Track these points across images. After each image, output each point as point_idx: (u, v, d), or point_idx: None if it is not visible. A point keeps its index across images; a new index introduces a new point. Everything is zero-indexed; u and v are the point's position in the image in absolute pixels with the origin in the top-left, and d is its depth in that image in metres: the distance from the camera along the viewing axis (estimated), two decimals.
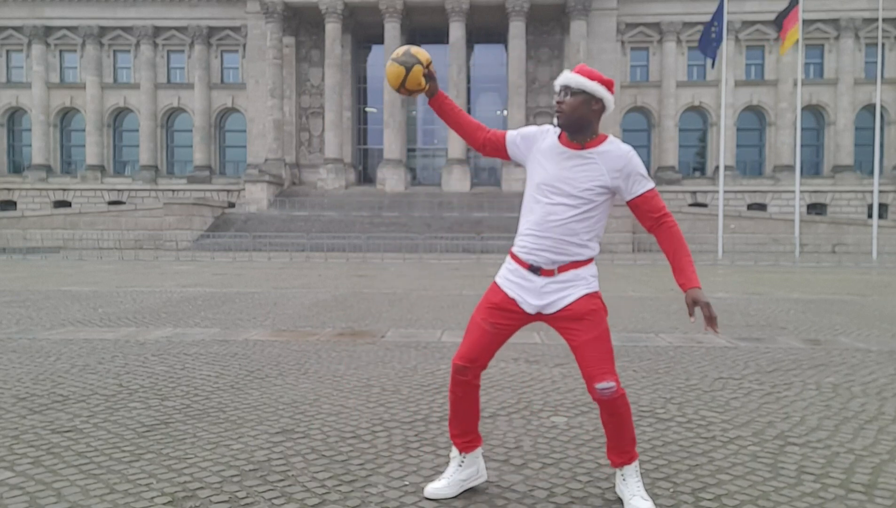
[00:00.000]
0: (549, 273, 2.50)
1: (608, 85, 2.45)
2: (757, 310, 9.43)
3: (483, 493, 2.74)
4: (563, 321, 2.52)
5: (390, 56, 2.58)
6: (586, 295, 2.49)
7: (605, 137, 2.48)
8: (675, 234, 2.44)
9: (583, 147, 2.47)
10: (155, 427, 3.62)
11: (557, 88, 2.48)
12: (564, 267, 2.49)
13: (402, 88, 2.55)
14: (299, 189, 41.95)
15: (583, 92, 2.42)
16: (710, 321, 2.39)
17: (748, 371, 5.17)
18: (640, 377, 4.94)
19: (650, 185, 2.46)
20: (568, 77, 2.46)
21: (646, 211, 2.46)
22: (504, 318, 2.60)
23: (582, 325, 2.47)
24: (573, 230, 2.47)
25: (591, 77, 2.44)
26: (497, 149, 2.67)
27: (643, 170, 2.47)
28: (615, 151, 2.45)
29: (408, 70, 2.51)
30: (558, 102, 2.46)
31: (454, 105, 2.66)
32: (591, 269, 2.54)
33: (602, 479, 2.90)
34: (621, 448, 2.61)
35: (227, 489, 2.77)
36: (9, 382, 4.69)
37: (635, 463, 2.63)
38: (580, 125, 2.45)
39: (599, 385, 2.45)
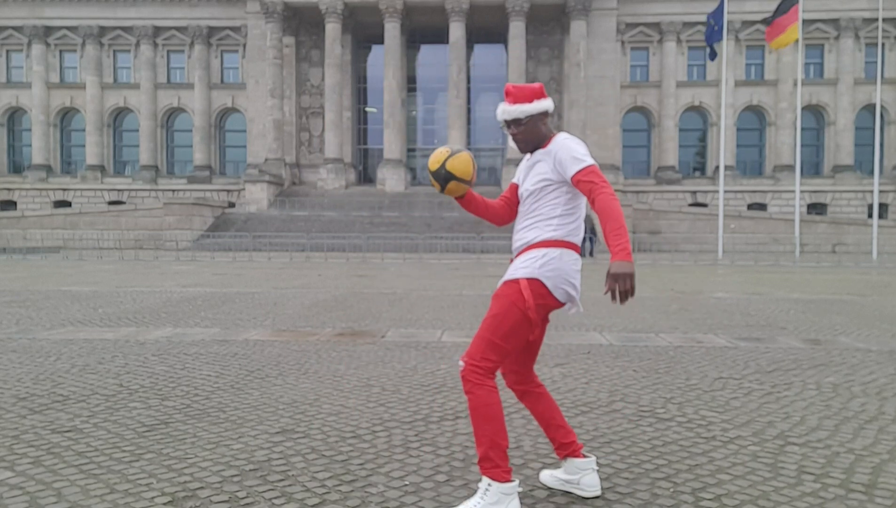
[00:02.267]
0: (512, 262, 2.62)
1: (541, 93, 2.55)
2: (757, 310, 9.43)
3: None
4: None
5: (433, 156, 2.59)
6: (507, 281, 2.50)
7: (554, 136, 2.58)
8: (604, 207, 2.37)
9: (538, 150, 2.62)
10: (155, 427, 3.62)
11: (505, 122, 2.58)
12: (520, 252, 2.57)
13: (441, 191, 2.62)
14: (299, 189, 41.95)
15: (530, 117, 2.54)
16: (615, 294, 2.33)
17: (748, 371, 5.17)
18: (640, 377, 4.94)
19: (584, 164, 2.46)
20: (512, 111, 2.54)
21: (583, 189, 2.47)
22: None
23: (490, 305, 2.52)
24: (526, 219, 2.59)
25: (531, 98, 2.53)
26: (515, 199, 2.79)
27: (576, 152, 2.48)
28: (554, 145, 2.55)
29: (443, 187, 2.58)
30: (513, 135, 2.60)
31: (478, 198, 2.75)
32: (539, 252, 2.48)
33: (602, 479, 2.89)
34: (477, 442, 2.47)
35: (227, 489, 2.77)
36: (9, 382, 4.69)
37: (494, 483, 2.42)
38: (537, 142, 2.61)
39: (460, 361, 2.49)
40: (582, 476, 2.69)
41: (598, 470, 2.75)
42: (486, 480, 2.43)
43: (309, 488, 2.78)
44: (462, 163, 2.55)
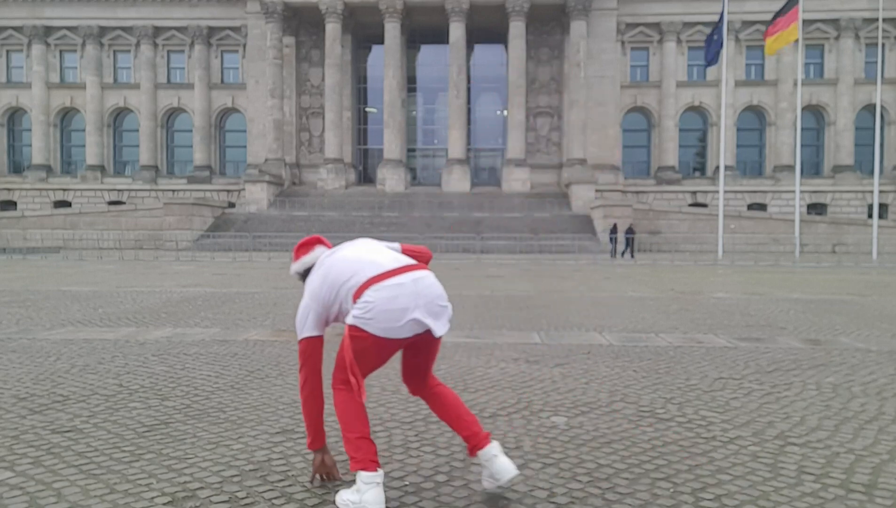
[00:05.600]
0: None
1: (298, 251, 2.91)
2: (757, 310, 9.42)
3: (483, 493, 2.74)
4: None
5: None
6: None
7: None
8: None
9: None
10: (155, 427, 3.62)
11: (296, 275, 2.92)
12: None
13: None
14: (299, 189, 41.95)
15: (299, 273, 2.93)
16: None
17: (748, 371, 5.17)
18: (640, 377, 4.94)
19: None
20: (295, 268, 2.93)
21: None
22: None
23: None
24: None
25: (296, 257, 2.91)
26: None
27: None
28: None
29: None
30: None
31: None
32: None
33: (602, 479, 2.90)
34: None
35: (227, 489, 2.77)
36: (9, 382, 4.69)
37: (359, 473, 2.56)
38: None
39: None
40: (491, 464, 2.69)
41: (506, 454, 2.78)
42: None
43: (309, 488, 2.78)
44: None
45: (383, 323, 2.54)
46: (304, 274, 2.88)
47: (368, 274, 2.60)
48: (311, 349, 2.74)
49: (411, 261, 2.72)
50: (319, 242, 2.92)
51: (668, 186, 42.37)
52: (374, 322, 2.53)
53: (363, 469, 2.54)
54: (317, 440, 2.78)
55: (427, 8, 40.74)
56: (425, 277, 2.65)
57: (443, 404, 2.84)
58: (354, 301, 2.59)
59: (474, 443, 2.74)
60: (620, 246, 29.39)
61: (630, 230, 29.51)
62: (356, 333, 2.57)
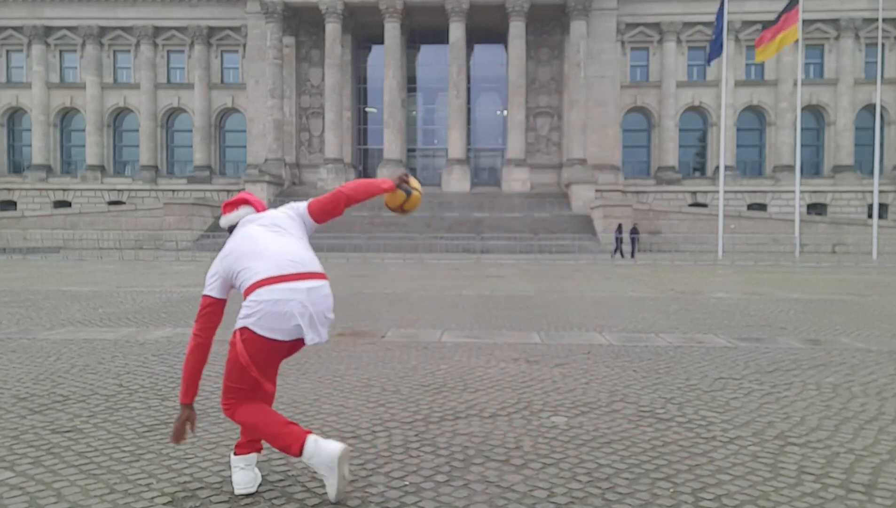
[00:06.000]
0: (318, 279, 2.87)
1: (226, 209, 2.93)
2: (757, 310, 9.42)
3: (483, 493, 2.74)
4: None
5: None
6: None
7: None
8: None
9: None
10: (155, 427, 3.62)
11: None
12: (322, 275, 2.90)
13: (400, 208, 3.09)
14: (299, 189, 41.93)
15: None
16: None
17: (748, 371, 5.17)
18: (640, 377, 4.94)
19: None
20: (222, 223, 2.96)
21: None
22: None
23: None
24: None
25: (224, 212, 2.94)
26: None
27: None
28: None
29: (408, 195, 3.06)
30: None
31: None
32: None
33: (602, 479, 2.90)
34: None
35: (227, 489, 2.77)
36: (9, 382, 4.69)
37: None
38: None
39: None
40: (234, 472, 2.81)
41: (245, 467, 2.82)
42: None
43: (309, 488, 2.78)
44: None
45: (271, 323, 2.58)
46: (231, 230, 2.92)
47: (261, 274, 2.62)
48: (214, 307, 2.76)
49: (313, 267, 2.73)
50: (245, 202, 2.93)
51: (668, 186, 42.36)
52: (262, 322, 2.57)
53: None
54: (189, 393, 2.75)
55: (427, 8, 40.74)
56: (320, 287, 2.69)
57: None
58: (245, 298, 2.64)
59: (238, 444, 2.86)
60: (626, 246, 29.41)
61: (634, 230, 29.57)
62: (246, 335, 2.61)
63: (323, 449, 2.55)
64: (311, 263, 2.74)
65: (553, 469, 3.03)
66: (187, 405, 2.73)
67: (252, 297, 2.60)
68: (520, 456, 3.19)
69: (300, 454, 2.57)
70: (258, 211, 2.92)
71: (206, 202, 37.18)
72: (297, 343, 2.71)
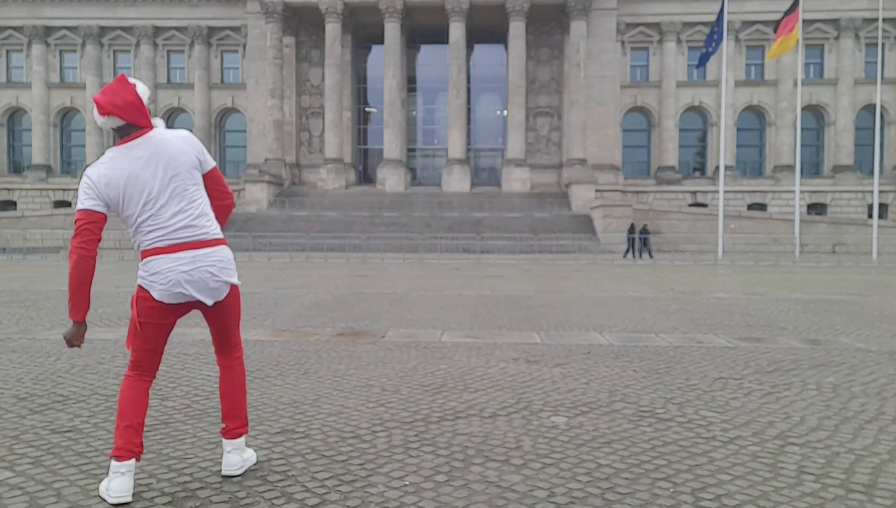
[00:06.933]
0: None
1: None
2: (757, 310, 9.42)
3: (483, 493, 2.74)
4: None
5: None
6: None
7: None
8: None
9: None
10: (155, 427, 3.61)
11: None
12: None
13: None
14: (299, 189, 41.94)
15: None
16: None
17: (748, 371, 5.17)
18: (640, 377, 4.94)
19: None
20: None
21: None
22: None
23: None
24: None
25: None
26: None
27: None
28: None
29: None
30: None
31: None
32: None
33: (602, 479, 2.90)
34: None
35: (227, 489, 2.77)
36: (9, 382, 4.69)
37: (112, 460, 2.72)
38: None
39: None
40: (225, 455, 2.94)
41: (236, 451, 2.94)
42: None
43: (309, 488, 2.78)
44: None
45: (162, 287, 2.75)
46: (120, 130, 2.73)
47: (152, 241, 2.73)
48: (93, 219, 2.77)
49: (206, 234, 2.78)
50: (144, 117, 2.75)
51: (668, 186, 42.36)
52: (155, 285, 2.75)
53: (116, 457, 2.67)
54: (82, 310, 2.88)
55: (427, 8, 40.74)
56: (207, 255, 2.77)
57: (230, 379, 3.02)
58: (142, 259, 2.79)
59: (230, 428, 2.94)
60: (638, 245, 29.43)
61: (644, 230, 29.60)
62: (142, 293, 2.79)
63: (112, 483, 2.62)
64: (204, 232, 2.84)
65: (553, 468, 3.03)
66: (81, 322, 2.89)
67: (148, 261, 2.79)
68: (520, 456, 3.18)
69: (111, 458, 2.68)
70: None
71: None
72: (207, 309, 2.97)
